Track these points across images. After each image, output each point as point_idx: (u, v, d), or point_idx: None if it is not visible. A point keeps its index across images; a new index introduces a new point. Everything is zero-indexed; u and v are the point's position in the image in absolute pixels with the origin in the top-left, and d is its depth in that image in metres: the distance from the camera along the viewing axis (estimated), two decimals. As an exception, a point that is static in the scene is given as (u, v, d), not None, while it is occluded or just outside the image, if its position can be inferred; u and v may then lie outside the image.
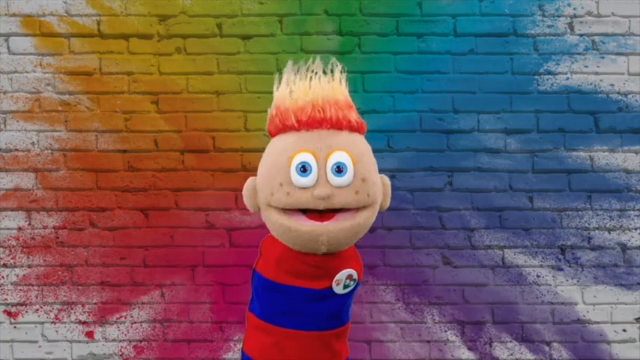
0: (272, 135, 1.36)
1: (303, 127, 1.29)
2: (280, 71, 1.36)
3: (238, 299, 2.29)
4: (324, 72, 1.33)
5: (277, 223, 1.30)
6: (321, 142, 1.27)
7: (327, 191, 1.25)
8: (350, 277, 1.32)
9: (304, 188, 1.26)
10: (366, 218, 1.30)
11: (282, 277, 1.33)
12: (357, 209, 1.29)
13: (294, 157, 1.27)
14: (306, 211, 1.28)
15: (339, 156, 1.26)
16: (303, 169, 1.26)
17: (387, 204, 1.38)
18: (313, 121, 1.29)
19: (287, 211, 1.28)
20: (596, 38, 2.33)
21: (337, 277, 1.31)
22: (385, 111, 2.32)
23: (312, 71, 1.33)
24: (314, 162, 1.26)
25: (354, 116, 1.32)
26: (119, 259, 2.31)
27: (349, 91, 1.36)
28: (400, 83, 2.32)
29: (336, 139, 1.28)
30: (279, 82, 1.36)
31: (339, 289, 1.32)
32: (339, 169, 1.26)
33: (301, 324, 1.32)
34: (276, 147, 1.32)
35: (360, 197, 1.27)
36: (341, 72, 1.34)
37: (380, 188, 1.34)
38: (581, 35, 2.33)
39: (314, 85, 1.31)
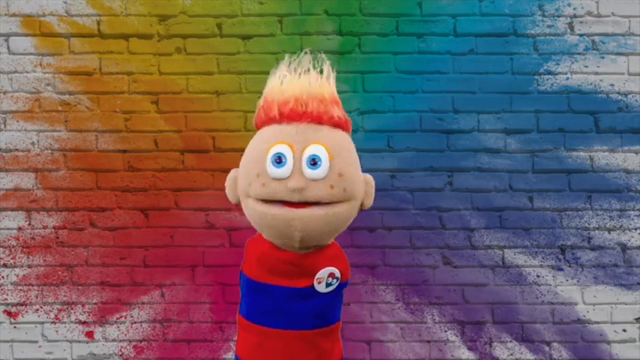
0: (258, 128, 1.37)
1: (285, 120, 1.29)
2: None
3: (238, 299, 2.29)
4: (315, 68, 1.34)
5: (253, 209, 1.31)
6: (299, 135, 1.27)
7: (301, 183, 1.24)
8: (332, 275, 1.32)
9: (279, 180, 1.25)
10: (343, 210, 1.29)
11: (264, 276, 1.33)
12: (332, 203, 1.27)
13: (271, 149, 1.27)
14: (282, 203, 1.27)
15: (315, 149, 1.25)
16: (279, 159, 1.25)
17: (369, 203, 1.36)
18: (294, 114, 1.28)
19: (264, 201, 1.29)
20: (596, 38, 2.33)
21: (318, 275, 1.31)
22: (385, 111, 2.31)
23: (302, 66, 1.34)
24: (290, 154, 1.25)
25: (337, 112, 1.31)
26: (119, 259, 2.31)
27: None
28: (400, 83, 2.32)
29: (315, 133, 1.28)
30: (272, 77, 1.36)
31: (321, 288, 1.31)
32: (314, 162, 1.24)
33: (284, 323, 1.32)
34: (257, 138, 1.34)
35: (335, 192, 1.26)
36: (330, 69, 1.34)
37: (361, 186, 1.33)
38: (581, 35, 2.33)
39: (301, 79, 1.32)
